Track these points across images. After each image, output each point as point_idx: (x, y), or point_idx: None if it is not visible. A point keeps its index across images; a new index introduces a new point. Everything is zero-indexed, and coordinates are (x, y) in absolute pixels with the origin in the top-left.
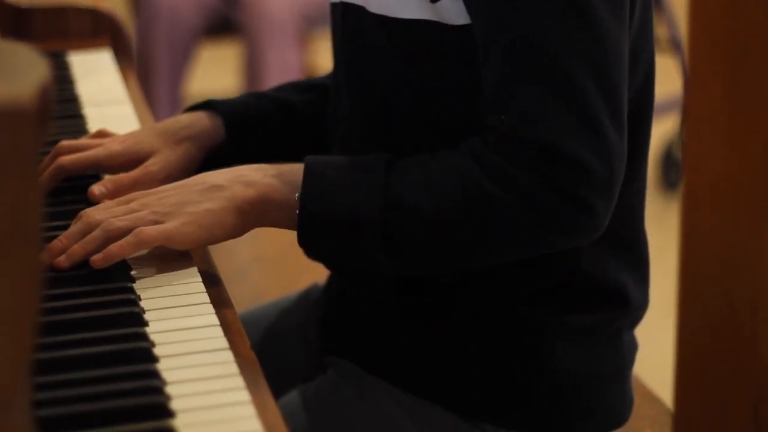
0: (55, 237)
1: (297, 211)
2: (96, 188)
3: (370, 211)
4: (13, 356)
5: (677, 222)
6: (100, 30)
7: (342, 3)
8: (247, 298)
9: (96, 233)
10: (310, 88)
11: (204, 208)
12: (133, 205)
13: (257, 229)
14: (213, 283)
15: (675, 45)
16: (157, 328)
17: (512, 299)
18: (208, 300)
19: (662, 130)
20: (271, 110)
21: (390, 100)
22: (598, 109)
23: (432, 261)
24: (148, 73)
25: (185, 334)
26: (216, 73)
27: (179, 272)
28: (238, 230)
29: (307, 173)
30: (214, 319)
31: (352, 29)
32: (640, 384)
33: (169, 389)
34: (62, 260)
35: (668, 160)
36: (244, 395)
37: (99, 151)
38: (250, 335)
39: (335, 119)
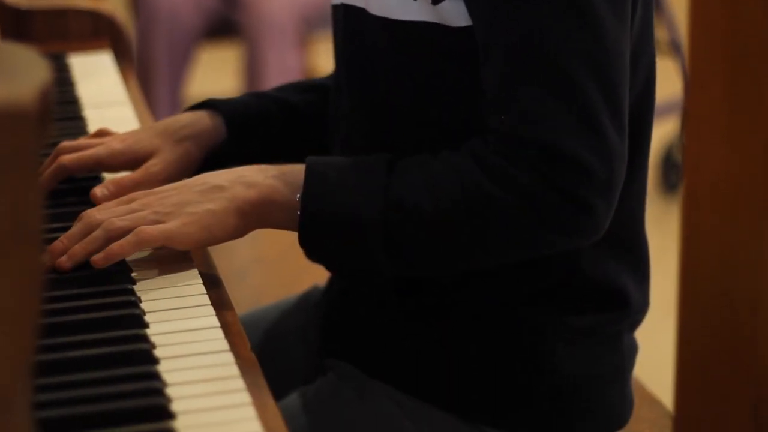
0: (56, 239)
1: (298, 212)
2: (98, 190)
3: (371, 212)
4: (13, 356)
5: (677, 224)
6: (100, 32)
7: (343, 5)
8: (247, 299)
9: (97, 233)
10: (311, 88)
11: (205, 208)
12: (134, 205)
13: (257, 231)
14: (213, 284)
15: (675, 47)
16: (157, 329)
17: (512, 300)
18: (209, 302)
19: (662, 132)
20: (272, 110)
21: (390, 100)
22: (598, 110)
23: (433, 261)
24: (149, 75)
25: (186, 336)
26: (216, 75)
27: (180, 274)
28: (239, 231)
29: (309, 174)
30: (215, 321)
31: (353, 31)
32: (640, 386)
33: (170, 391)
34: (64, 260)
35: (668, 162)
36: (245, 397)
37: (100, 149)
38: (251, 337)
39: (336, 119)
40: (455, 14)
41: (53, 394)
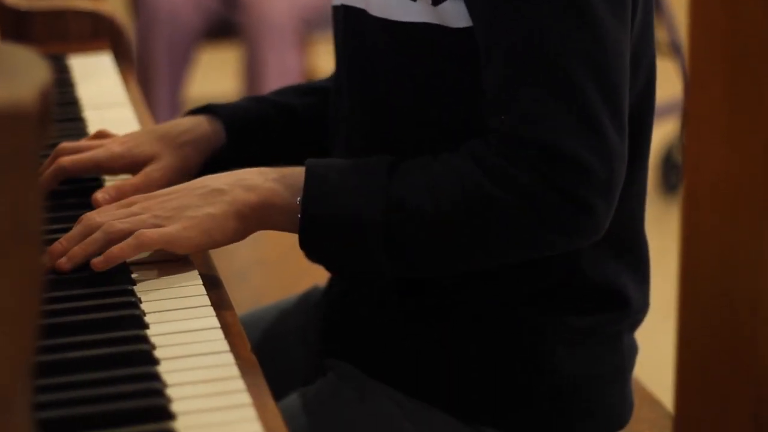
0: (56, 240)
1: (298, 215)
2: (99, 195)
3: (372, 213)
4: (13, 356)
5: (677, 225)
6: (100, 33)
7: (343, 6)
8: (247, 300)
9: (97, 235)
10: (310, 91)
11: (205, 212)
12: (134, 208)
13: (258, 232)
14: (213, 285)
15: (675, 49)
16: (157, 330)
17: (512, 300)
18: (209, 302)
19: (662, 133)
20: (272, 114)
21: (391, 101)
22: (598, 110)
23: (434, 262)
24: (148, 76)
25: (186, 337)
26: (216, 76)
27: (180, 275)
28: (239, 234)
29: (309, 176)
30: (215, 322)
31: (354, 32)
32: (640, 387)
33: (170, 392)
34: (63, 262)
35: (668, 163)
36: (245, 398)
37: (99, 152)
38: (251, 337)
39: (336, 121)
40: (455, 15)
41: (53, 394)
